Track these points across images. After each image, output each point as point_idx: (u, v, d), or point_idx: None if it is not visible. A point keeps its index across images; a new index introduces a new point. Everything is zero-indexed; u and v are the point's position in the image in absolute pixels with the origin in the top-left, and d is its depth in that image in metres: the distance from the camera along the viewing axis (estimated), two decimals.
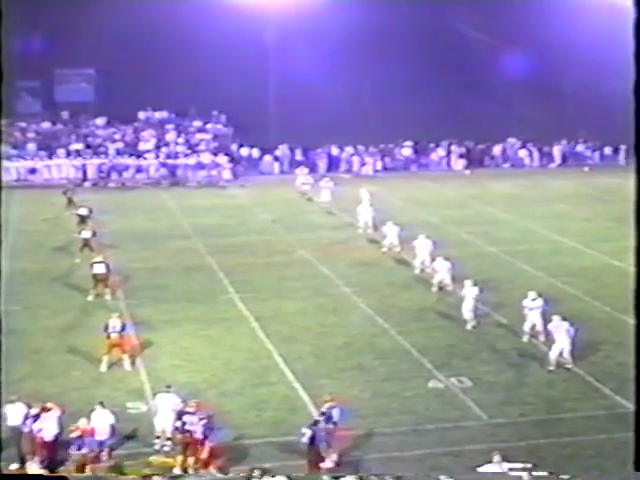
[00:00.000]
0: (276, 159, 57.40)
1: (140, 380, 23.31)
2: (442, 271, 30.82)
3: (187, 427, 18.73)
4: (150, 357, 24.85)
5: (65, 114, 58.01)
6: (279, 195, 49.03)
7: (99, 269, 29.95)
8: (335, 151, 58.18)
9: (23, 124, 56.91)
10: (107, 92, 56.20)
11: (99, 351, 25.01)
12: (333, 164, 57.55)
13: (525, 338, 25.81)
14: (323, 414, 19.07)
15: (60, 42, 52.18)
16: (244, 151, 57.02)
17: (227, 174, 54.34)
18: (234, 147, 57.40)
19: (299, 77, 53.73)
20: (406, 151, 59.14)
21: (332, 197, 45.09)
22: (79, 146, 55.44)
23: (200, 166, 54.59)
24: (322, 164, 57.22)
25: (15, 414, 19.55)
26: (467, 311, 27.09)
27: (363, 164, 57.54)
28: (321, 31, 52.88)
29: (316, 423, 18.94)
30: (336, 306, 29.39)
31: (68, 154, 54.54)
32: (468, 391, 22.61)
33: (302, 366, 24.27)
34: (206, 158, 55.17)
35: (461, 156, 59.23)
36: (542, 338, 25.38)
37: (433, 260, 31.89)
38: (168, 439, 19.58)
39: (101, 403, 19.74)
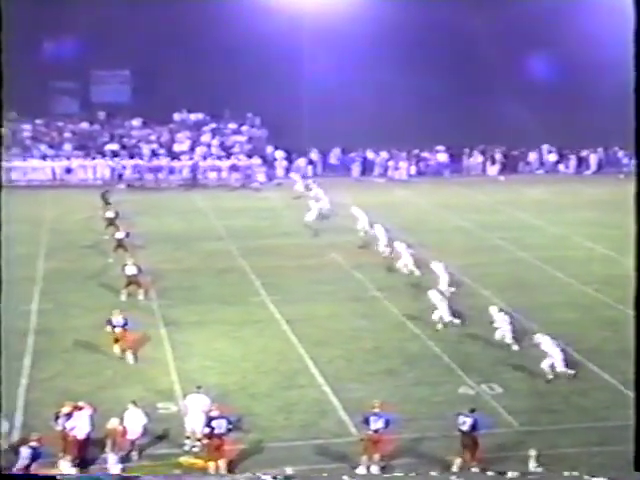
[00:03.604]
0: (310, 162, 57.45)
1: (171, 380, 23.41)
2: (441, 275, 30.80)
3: (216, 431, 18.79)
4: (181, 358, 24.96)
5: (101, 115, 58.45)
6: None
7: (131, 270, 30.21)
8: (370, 155, 58.14)
9: (60, 124, 57.48)
10: (143, 93, 56.58)
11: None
12: (367, 168, 57.54)
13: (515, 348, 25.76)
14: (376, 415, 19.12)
15: (97, 44, 52.60)
16: (278, 154, 57.09)
17: (261, 176, 54.45)
18: (269, 149, 57.51)
19: (334, 80, 53.82)
20: (441, 156, 58.98)
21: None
22: (115, 147, 55.85)
23: (234, 168, 54.76)
24: (356, 168, 57.22)
25: None
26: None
27: (397, 169, 57.46)
28: (356, 34, 52.88)
29: (473, 410, 19.25)
30: (367, 310, 29.36)
31: (104, 154, 54.94)
32: (499, 398, 22.51)
33: (332, 370, 24.26)
34: (240, 160, 55.34)
35: (495, 162, 58.99)
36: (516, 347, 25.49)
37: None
38: (198, 440, 19.64)
39: (134, 402, 19.87)
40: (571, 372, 23.57)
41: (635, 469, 15.37)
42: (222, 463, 18.60)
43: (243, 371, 24.25)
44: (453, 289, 30.59)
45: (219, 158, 55.59)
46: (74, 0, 50.70)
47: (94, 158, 54.52)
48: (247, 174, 54.59)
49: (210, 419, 19.04)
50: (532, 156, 59.91)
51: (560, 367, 23.52)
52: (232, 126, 58.99)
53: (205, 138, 57.58)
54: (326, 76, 54.03)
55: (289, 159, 57.16)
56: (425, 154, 58.98)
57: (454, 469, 18.61)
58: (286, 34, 53.43)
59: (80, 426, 19.03)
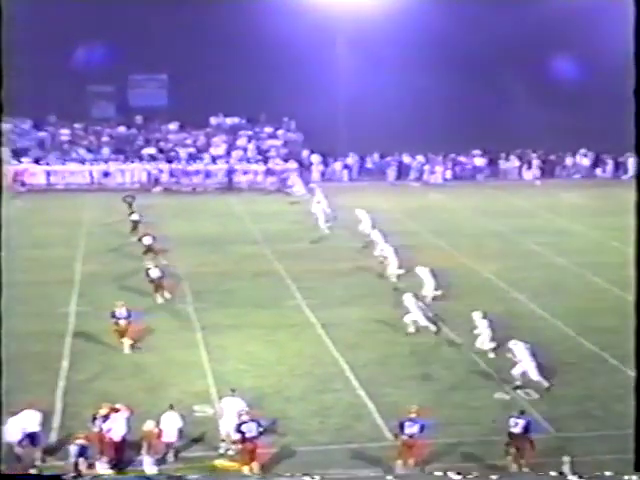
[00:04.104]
0: (346, 166, 57.47)
1: (206, 384, 23.51)
2: (427, 280, 30.72)
3: (247, 435, 18.84)
4: (216, 361, 25.06)
5: (138, 119, 58.85)
6: (347, 202, 49.01)
7: (155, 273, 30.60)
8: (406, 159, 58.05)
9: (98, 128, 57.98)
10: (180, 97, 56.87)
11: (167, 353, 25.44)
12: (403, 172, 57.46)
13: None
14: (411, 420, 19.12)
15: (134, 48, 52.96)
16: (314, 158, 57.14)
17: (296, 180, 54.49)
18: (304, 154, 57.59)
19: (370, 84, 53.82)
20: (477, 160, 58.78)
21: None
22: (151, 150, 56.19)
23: (270, 172, 54.88)
24: (391, 172, 57.16)
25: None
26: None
27: (432, 172, 57.32)
28: (393, 38, 52.81)
29: (523, 412, 19.55)
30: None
31: (141, 158, 55.31)
32: (535, 403, 22.39)
33: (367, 374, 24.26)
34: (276, 164, 55.48)
35: (532, 166, 58.68)
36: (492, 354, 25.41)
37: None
38: (233, 443, 19.71)
39: (171, 406, 19.99)
40: (546, 384, 23.27)
41: (635, 469, 15.31)
42: (256, 466, 18.65)
43: (278, 374, 24.30)
44: (439, 292, 30.57)
45: (255, 162, 55.74)
46: (111, 4, 51.02)
47: (131, 162, 54.90)
48: (282, 178, 54.64)
49: (240, 423, 19.10)
50: (569, 160, 59.53)
51: (535, 376, 23.27)
52: (268, 130, 59.15)
53: (241, 142, 57.78)
54: (362, 80, 54.06)
55: (325, 163, 57.21)
56: (461, 158, 58.80)
57: (512, 470, 18.76)
58: (323, 38, 53.53)
59: (116, 428, 19.18)
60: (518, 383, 23.31)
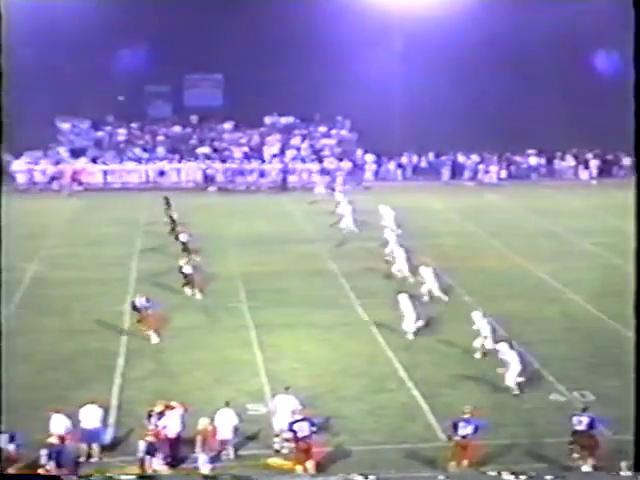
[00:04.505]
0: (399, 166, 57.37)
1: (260, 382, 23.61)
2: (429, 280, 30.55)
3: (299, 434, 18.90)
4: (270, 360, 25.15)
5: (194, 118, 59.36)
6: (401, 202, 48.93)
7: (188, 270, 31.07)
8: (461, 159, 57.81)
9: (154, 127, 58.55)
10: (234, 97, 57.26)
11: (221, 351, 25.60)
12: (457, 172, 57.22)
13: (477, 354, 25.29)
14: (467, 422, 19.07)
15: (190, 48, 53.39)
16: (368, 157, 57.12)
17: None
18: (358, 153, 57.59)
19: (425, 83, 53.67)
20: (532, 159, 58.34)
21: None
22: (206, 150, 56.59)
23: (324, 171, 54.94)
24: (446, 172, 56.95)
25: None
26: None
27: (487, 172, 57.00)
28: (447, 38, 52.61)
29: (585, 409, 19.49)
30: (456, 314, 29.16)
31: (195, 158, 55.72)
32: (591, 406, 22.12)
33: (421, 374, 24.18)
34: (330, 163, 55.53)
35: (588, 166, 58.07)
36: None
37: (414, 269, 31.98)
38: (286, 440, 19.77)
39: (227, 403, 20.11)
40: (517, 393, 22.89)
41: (635, 469, 15.11)
42: (310, 465, 18.68)
43: (332, 374, 24.32)
44: (446, 298, 30.44)
45: (309, 161, 55.84)
46: (168, 5, 51.46)
47: (186, 161, 55.32)
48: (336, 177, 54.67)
49: (292, 422, 19.15)
50: (626, 159, 58.79)
51: (512, 378, 23.00)
52: (322, 129, 59.28)
53: (295, 141, 57.97)
54: (418, 79, 53.92)
55: (379, 163, 57.18)
56: (516, 157, 58.39)
57: (584, 469, 18.66)
58: (378, 37, 53.52)
59: (171, 425, 19.33)
60: (517, 392, 22.97)
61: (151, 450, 18.61)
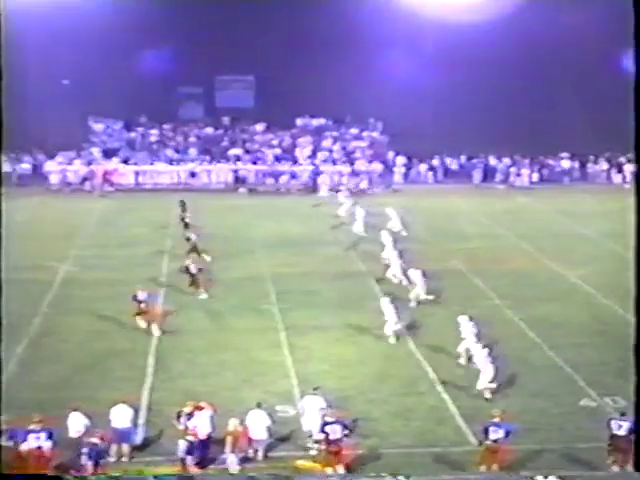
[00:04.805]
0: (431, 168, 57.20)
1: (290, 384, 23.62)
2: (418, 283, 30.33)
3: (331, 437, 18.87)
4: (300, 361, 25.15)
5: (226, 120, 59.49)
6: (431, 204, 48.87)
7: (194, 269, 31.47)
8: (493, 161, 57.55)
9: (185, 129, 58.77)
10: (266, 98, 57.36)
11: (251, 353, 25.63)
12: (488, 174, 56.96)
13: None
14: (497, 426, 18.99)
15: (221, 50, 53.56)
16: (399, 159, 56.99)
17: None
18: (390, 155, 57.48)
19: (456, 85, 53.49)
20: (565, 163, 57.96)
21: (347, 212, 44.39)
22: (238, 151, 56.68)
23: (355, 173, 54.87)
24: (477, 174, 56.71)
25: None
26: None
27: (518, 175, 56.70)
28: (480, 40, 52.35)
29: (623, 414, 19.45)
30: (487, 318, 28.99)
31: (227, 159, 55.84)
32: (622, 411, 21.94)
33: (451, 377, 24.09)
34: (361, 165, 55.47)
35: (622, 169, 57.60)
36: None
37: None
38: (315, 442, 19.75)
39: (258, 404, 20.14)
40: (489, 397, 22.72)
41: (635, 469, 14.94)
42: (340, 469, 18.66)
43: (361, 376, 24.29)
44: (431, 297, 30.28)
45: (340, 163, 55.78)
46: (200, 7, 51.64)
47: (218, 162, 55.46)
48: (367, 179, 54.58)
49: (324, 424, 19.13)
50: None
51: (484, 383, 22.84)
52: (354, 131, 59.22)
53: (326, 143, 57.93)
54: (450, 81, 53.74)
55: (410, 165, 57.04)
56: (549, 161, 58.05)
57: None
58: (410, 39, 53.39)
59: (201, 426, 19.38)
60: (489, 396, 22.83)
61: (191, 450, 18.72)
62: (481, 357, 23.29)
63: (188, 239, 36.33)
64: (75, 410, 19.66)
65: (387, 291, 30.43)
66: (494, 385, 22.91)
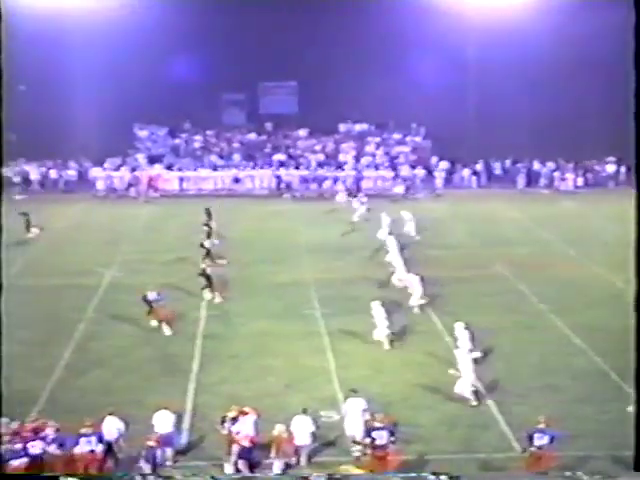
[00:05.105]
0: (474, 173, 56.99)
1: (333, 389, 23.64)
2: (416, 288, 30.21)
3: (377, 442, 18.85)
4: (343, 367, 25.16)
5: (269, 125, 59.72)
6: (475, 209, 48.68)
7: (209, 273, 31.87)
8: (536, 166, 57.20)
9: (229, 135, 59.10)
10: (309, 104, 57.51)
11: (294, 358, 25.68)
12: (532, 179, 56.63)
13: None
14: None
15: (265, 56, 53.79)
16: (442, 164, 56.85)
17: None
18: (433, 160, 57.35)
19: (499, 90, 53.25)
20: (609, 167, 57.45)
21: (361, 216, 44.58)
22: (281, 157, 56.88)
23: (398, 179, 54.79)
24: (521, 179, 56.39)
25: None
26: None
27: (563, 179, 56.31)
28: (523, 43, 52.11)
29: None
30: (531, 323, 28.90)
31: (270, 165, 56.04)
32: None
33: (495, 383, 23.98)
34: (405, 171, 55.40)
35: None
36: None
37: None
38: (357, 444, 19.75)
39: (304, 410, 20.20)
40: (474, 403, 22.59)
41: (635, 469, 14.72)
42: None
43: (405, 382, 24.25)
44: (424, 301, 30.19)
45: (383, 168, 55.75)
46: (244, 14, 51.94)
47: (261, 168, 55.68)
48: (409, 184, 54.47)
49: (371, 429, 19.11)
50: None
51: (466, 391, 22.68)
52: (396, 136, 59.16)
53: (369, 148, 57.95)
54: (493, 85, 53.51)
55: (453, 170, 56.88)
56: (594, 165, 57.56)
57: None
58: (452, 45, 53.21)
59: (245, 431, 19.46)
60: (475, 404, 22.66)
61: (243, 454, 18.83)
62: (467, 363, 23.19)
63: (202, 245, 36.53)
64: (111, 414, 19.82)
65: (391, 298, 30.33)
66: (474, 388, 22.90)
